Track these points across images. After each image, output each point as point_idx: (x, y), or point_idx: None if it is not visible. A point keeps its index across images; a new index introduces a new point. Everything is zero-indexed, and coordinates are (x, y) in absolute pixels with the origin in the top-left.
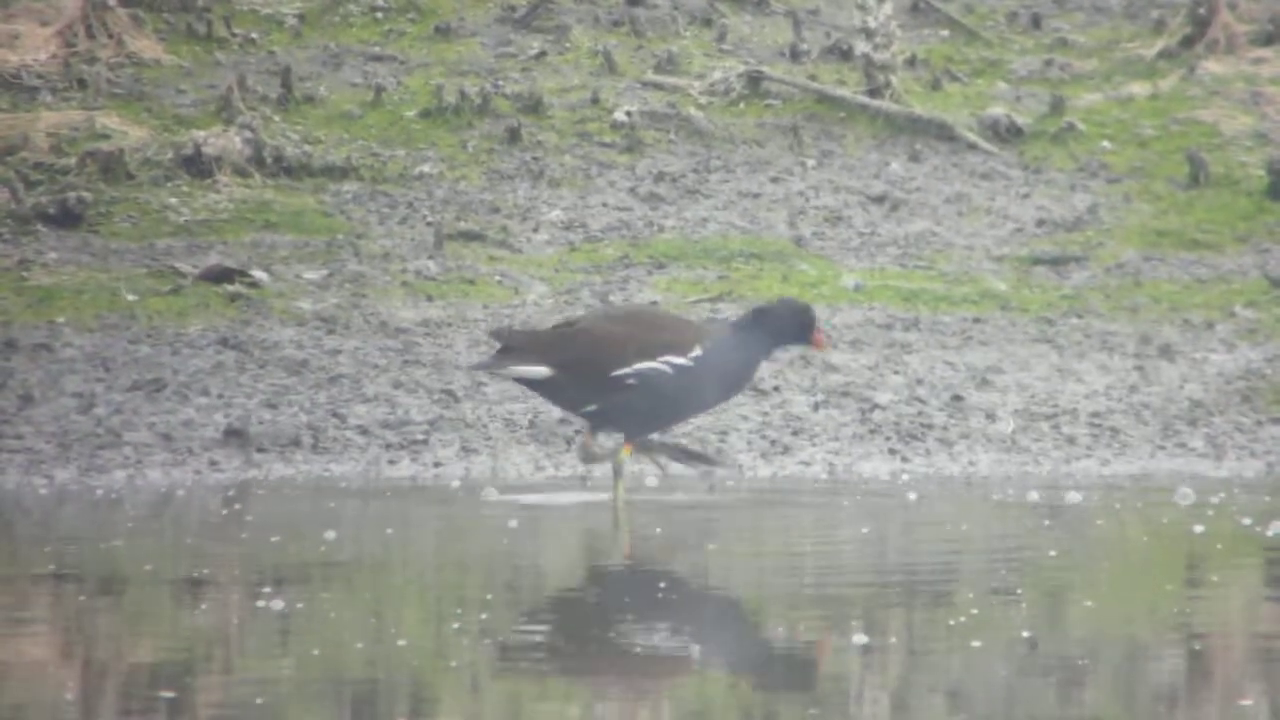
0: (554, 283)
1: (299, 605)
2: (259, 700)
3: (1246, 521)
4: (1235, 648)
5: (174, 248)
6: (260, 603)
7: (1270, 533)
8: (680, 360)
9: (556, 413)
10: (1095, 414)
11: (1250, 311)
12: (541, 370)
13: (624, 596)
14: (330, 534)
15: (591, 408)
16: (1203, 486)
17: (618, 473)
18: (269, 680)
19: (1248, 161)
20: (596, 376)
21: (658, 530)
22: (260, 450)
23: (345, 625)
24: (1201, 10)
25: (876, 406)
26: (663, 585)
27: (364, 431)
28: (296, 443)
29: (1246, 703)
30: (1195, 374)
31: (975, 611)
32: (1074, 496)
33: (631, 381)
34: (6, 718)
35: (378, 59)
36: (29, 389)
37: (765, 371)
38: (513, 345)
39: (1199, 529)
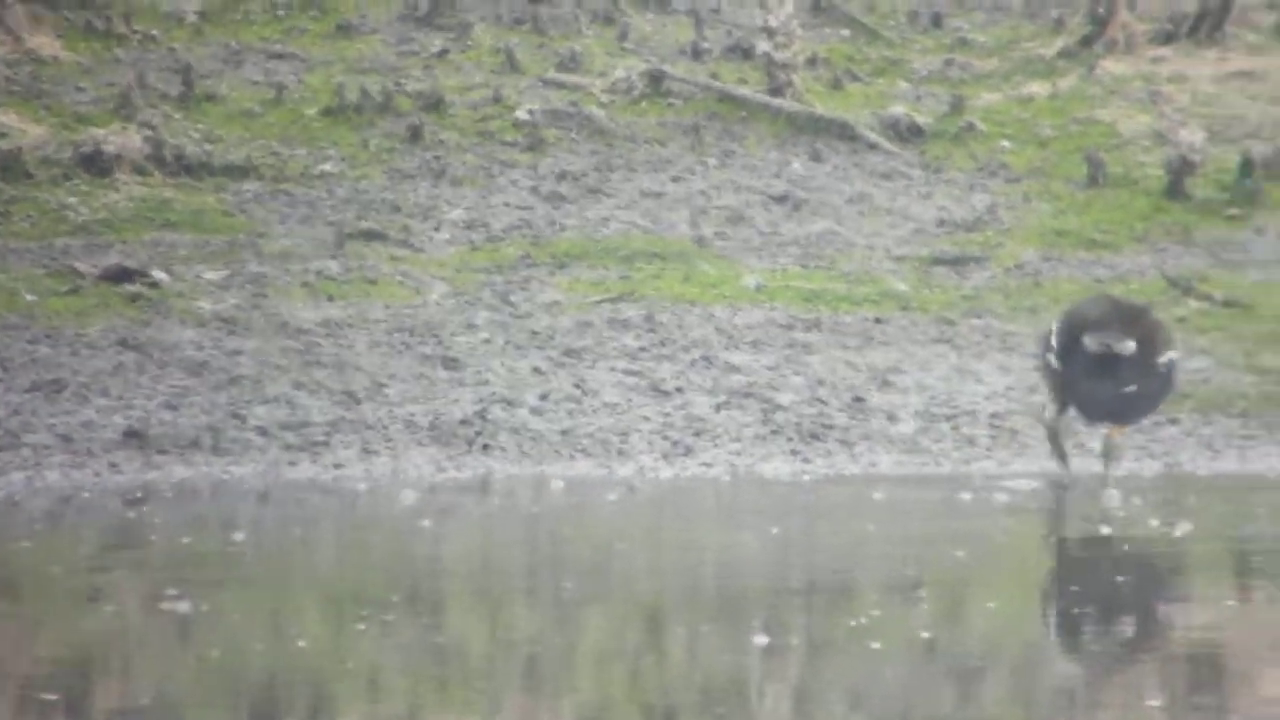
0: (455, 282)
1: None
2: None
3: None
4: None
5: (73, 247)
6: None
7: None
8: (1176, 356)
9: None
10: (995, 415)
11: None
12: (1130, 345)
13: None
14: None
15: (1130, 388)
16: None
17: (1117, 457)
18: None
19: (1146, 161)
20: (1150, 357)
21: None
22: (160, 452)
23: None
24: (1100, 10)
25: (778, 407)
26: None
27: (264, 433)
28: (196, 444)
29: None
30: None
31: None
32: (1002, 497)
33: (1164, 370)
34: None
35: (279, 56)
36: None
37: (667, 372)
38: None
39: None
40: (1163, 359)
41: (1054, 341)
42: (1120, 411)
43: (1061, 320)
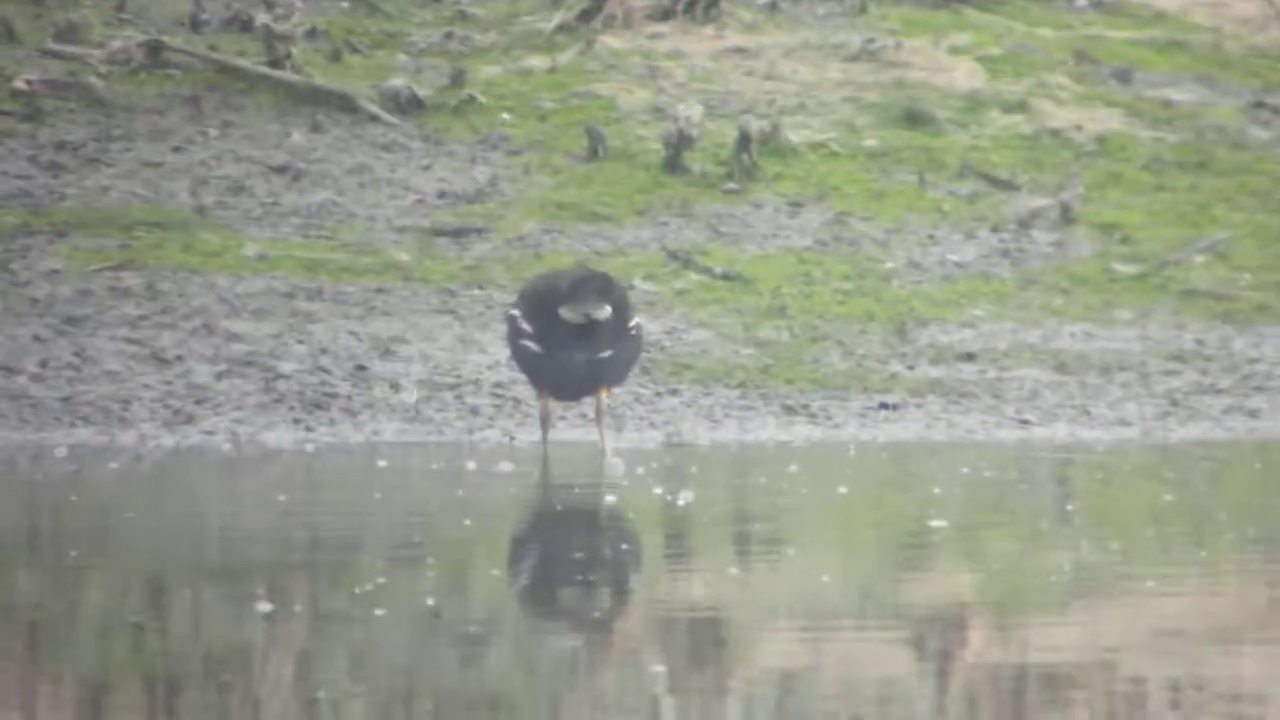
0: None
1: None
2: None
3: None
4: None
5: None
6: None
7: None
8: (642, 320)
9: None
10: (498, 384)
11: (649, 284)
12: (607, 310)
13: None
14: None
15: (608, 353)
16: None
17: (611, 424)
18: None
19: (645, 135)
20: (623, 322)
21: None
22: None
23: None
24: None
25: (280, 376)
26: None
27: None
28: None
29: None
30: None
31: None
32: (506, 466)
33: (634, 332)
34: None
35: None
36: None
37: (168, 340)
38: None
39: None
40: (633, 323)
41: (525, 325)
42: (601, 377)
43: (524, 302)
